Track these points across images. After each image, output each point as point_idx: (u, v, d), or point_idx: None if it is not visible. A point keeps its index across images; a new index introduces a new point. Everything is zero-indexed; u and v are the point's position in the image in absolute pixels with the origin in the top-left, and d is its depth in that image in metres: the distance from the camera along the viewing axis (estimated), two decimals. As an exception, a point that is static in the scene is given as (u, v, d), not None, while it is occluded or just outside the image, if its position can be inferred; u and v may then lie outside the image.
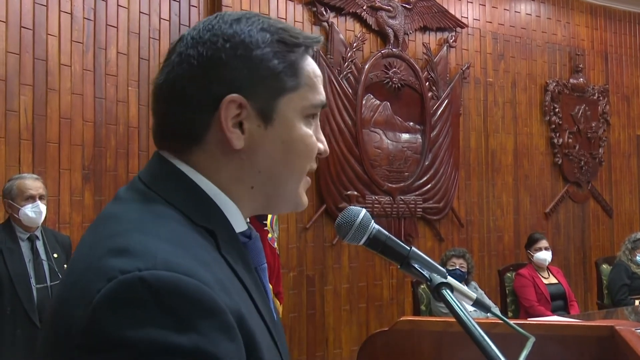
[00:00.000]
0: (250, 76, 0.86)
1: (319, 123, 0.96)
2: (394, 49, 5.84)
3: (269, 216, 4.28)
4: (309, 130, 0.92)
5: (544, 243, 5.25)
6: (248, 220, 0.97)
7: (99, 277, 0.71)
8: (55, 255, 3.53)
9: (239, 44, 0.87)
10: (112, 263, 0.72)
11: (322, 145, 0.95)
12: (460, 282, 1.02)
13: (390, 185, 5.76)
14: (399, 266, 0.99)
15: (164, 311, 0.69)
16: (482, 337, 0.86)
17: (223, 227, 0.86)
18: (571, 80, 7.17)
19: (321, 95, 0.93)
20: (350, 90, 5.56)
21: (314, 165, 0.95)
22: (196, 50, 0.87)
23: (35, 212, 3.46)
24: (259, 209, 0.94)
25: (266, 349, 0.81)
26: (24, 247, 3.48)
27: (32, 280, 3.42)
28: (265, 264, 0.98)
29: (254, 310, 0.83)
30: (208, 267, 0.76)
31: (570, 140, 7.11)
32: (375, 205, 5.63)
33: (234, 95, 0.85)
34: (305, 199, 0.96)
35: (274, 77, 0.88)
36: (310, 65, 0.93)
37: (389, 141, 5.82)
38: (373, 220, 1.00)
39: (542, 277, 5.21)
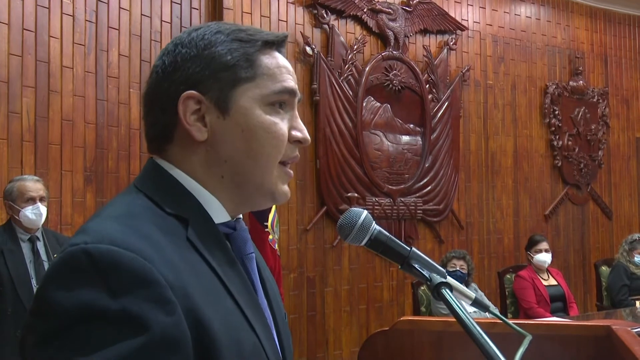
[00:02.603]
0: (203, 72, 0.92)
1: (295, 113, 0.99)
2: (394, 52, 5.86)
3: (270, 218, 4.30)
4: (271, 118, 0.94)
5: (544, 245, 5.27)
6: (241, 216, 1.00)
7: (59, 252, 0.80)
8: (56, 256, 3.54)
9: (193, 47, 0.94)
10: (70, 240, 0.81)
11: (300, 133, 0.98)
12: (460, 283, 1.03)
13: (390, 187, 5.77)
14: (399, 266, 1.01)
15: (100, 280, 0.75)
16: (481, 335, 0.88)
17: (197, 216, 0.91)
18: (571, 83, 7.19)
19: (284, 82, 0.96)
20: (351, 93, 5.58)
21: (292, 153, 0.98)
22: (161, 61, 0.96)
23: (35, 213, 3.47)
24: (238, 202, 0.97)
25: (227, 331, 0.83)
26: (25, 248, 3.50)
27: (33, 281, 3.43)
28: (253, 254, 1.00)
29: (222, 294, 0.86)
30: (157, 247, 0.81)
31: (569, 143, 7.13)
32: (376, 207, 5.64)
33: (189, 92, 0.92)
34: (282, 189, 0.98)
35: (226, 70, 0.93)
36: (271, 57, 0.97)
37: (389, 143, 5.84)
38: (374, 222, 1.02)
39: (542, 278, 5.23)
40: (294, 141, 0.97)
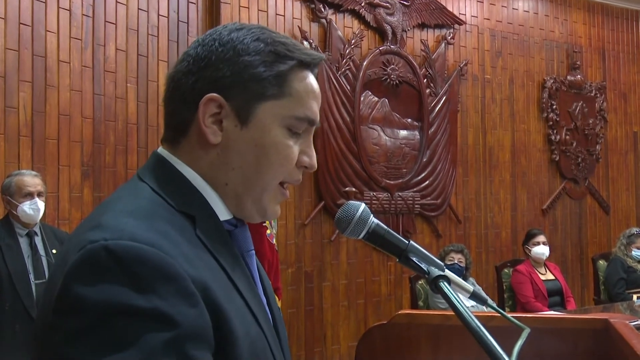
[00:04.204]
0: (233, 79, 0.92)
1: (310, 138, 0.99)
2: (392, 46, 5.85)
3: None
4: (286, 140, 0.95)
5: (541, 238, 5.28)
6: None
7: (75, 249, 0.79)
8: (54, 251, 3.54)
9: (230, 48, 0.93)
10: (86, 236, 0.80)
11: (308, 159, 0.98)
12: (458, 276, 1.03)
13: (388, 181, 5.77)
14: (397, 259, 1.01)
15: (125, 276, 0.75)
16: (479, 328, 0.88)
17: (204, 213, 0.92)
18: (568, 77, 7.19)
19: (308, 110, 0.96)
20: (349, 87, 5.57)
21: (295, 177, 0.98)
22: (195, 51, 0.95)
23: (33, 209, 3.46)
24: (233, 211, 0.97)
25: (241, 323, 0.85)
26: (23, 243, 3.49)
27: (31, 276, 3.42)
28: (253, 250, 1.01)
29: (231, 288, 0.88)
30: (174, 242, 0.82)
31: (567, 137, 7.13)
32: (373, 202, 5.64)
33: (213, 95, 0.92)
34: (274, 210, 0.99)
35: (256, 83, 0.93)
36: (303, 80, 0.96)
37: (387, 138, 5.83)
38: (372, 215, 1.02)
39: (539, 273, 5.24)
40: (301, 166, 0.98)
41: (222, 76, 0.92)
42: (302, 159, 0.98)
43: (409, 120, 5.98)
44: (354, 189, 5.55)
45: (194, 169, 0.94)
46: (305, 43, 5.31)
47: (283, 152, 0.95)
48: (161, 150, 0.98)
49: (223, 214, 0.95)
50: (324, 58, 1.01)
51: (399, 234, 1.03)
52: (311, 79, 0.98)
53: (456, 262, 4.72)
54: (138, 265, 0.76)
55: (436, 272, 0.98)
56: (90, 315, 0.74)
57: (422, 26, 6.15)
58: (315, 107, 0.98)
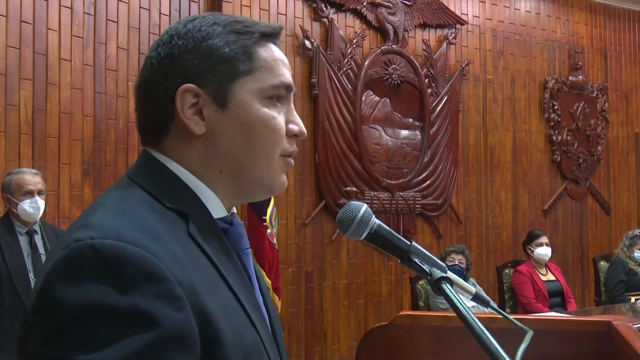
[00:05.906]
0: (201, 65, 0.91)
1: (292, 106, 0.98)
2: (393, 46, 5.84)
3: (268, 211, 4.29)
4: (269, 112, 0.93)
5: (544, 239, 5.28)
6: (234, 210, 1.00)
7: (61, 248, 0.77)
8: (51, 251, 3.53)
9: (190, 38, 0.92)
10: (73, 235, 0.78)
11: (296, 126, 0.97)
12: (459, 277, 1.03)
13: (389, 181, 5.77)
14: (399, 261, 1.00)
15: (108, 276, 0.73)
16: (482, 330, 0.87)
17: (196, 211, 0.90)
18: (570, 78, 7.18)
19: (281, 76, 0.95)
20: (350, 87, 5.56)
21: (288, 147, 0.96)
22: (156, 52, 0.94)
23: (33, 207, 3.45)
24: (235, 194, 0.96)
25: (231, 326, 0.83)
26: (23, 241, 3.48)
27: (31, 275, 3.42)
28: (249, 249, 0.99)
29: (224, 288, 0.86)
30: (161, 242, 0.80)
31: (569, 138, 7.12)
32: (374, 202, 5.63)
33: (187, 85, 0.91)
34: (281, 180, 0.98)
35: (225, 63, 0.92)
36: (269, 50, 0.96)
37: (388, 137, 5.83)
38: (374, 215, 1.01)
39: (540, 273, 5.23)
40: (292, 135, 0.97)
41: (189, 66, 0.91)
42: (290, 127, 0.96)
43: (410, 120, 5.97)
44: (354, 189, 5.54)
45: (184, 165, 0.93)
46: (307, 42, 5.31)
47: (270, 124, 0.93)
48: (150, 150, 0.96)
49: (217, 211, 0.94)
50: (282, 27, 1.01)
51: (399, 234, 1.02)
52: (276, 49, 0.97)
53: (457, 263, 4.71)
54: (122, 265, 0.74)
55: (438, 273, 0.97)
56: (69, 314, 0.72)
57: (424, 26, 6.14)
58: (287, 74, 0.97)
